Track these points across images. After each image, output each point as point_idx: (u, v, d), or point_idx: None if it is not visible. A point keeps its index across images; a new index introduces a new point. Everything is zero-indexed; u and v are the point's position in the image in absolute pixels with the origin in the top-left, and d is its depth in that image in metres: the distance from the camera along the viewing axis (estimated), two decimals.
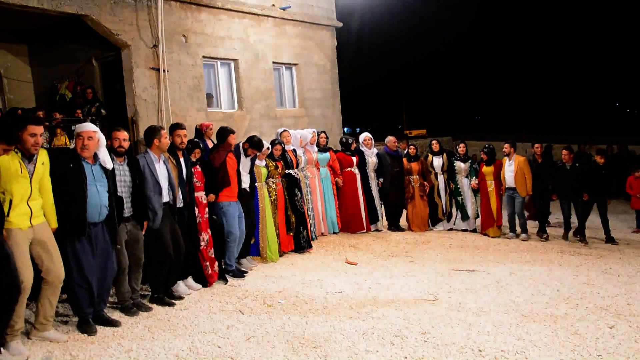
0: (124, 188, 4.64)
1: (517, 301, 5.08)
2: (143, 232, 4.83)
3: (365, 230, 8.64)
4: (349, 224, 8.59)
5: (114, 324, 4.41)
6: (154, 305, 4.95)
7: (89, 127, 4.35)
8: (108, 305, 4.71)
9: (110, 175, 4.43)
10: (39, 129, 3.81)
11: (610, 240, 8.11)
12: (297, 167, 7.55)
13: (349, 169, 8.62)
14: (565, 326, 4.35)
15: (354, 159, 8.67)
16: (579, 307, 4.87)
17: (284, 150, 7.40)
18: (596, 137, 17.68)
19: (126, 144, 4.68)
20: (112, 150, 4.60)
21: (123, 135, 4.65)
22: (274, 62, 10.96)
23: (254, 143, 6.37)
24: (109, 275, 4.42)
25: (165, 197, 5.04)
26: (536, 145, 8.76)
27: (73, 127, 8.20)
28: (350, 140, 8.81)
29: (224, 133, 6.14)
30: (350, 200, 8.58)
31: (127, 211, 4.68)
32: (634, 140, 15.95)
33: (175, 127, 5.41)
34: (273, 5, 10.81)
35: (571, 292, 5.36)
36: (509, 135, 20.05)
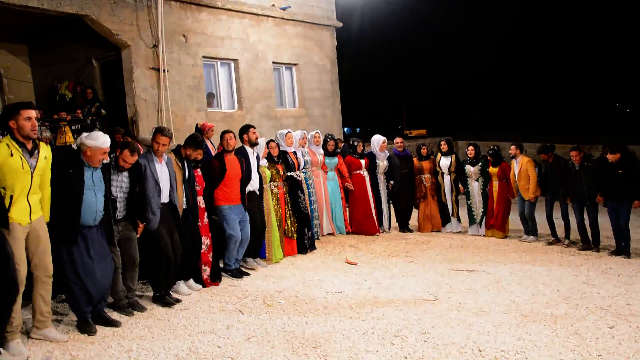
0: (119, 193, 4.66)
1: (517, 301, 5.07)
2: (138, 234, 4.84)
3: (378, 233, 8.58)
4: (361, 227, 8.53)
5: (114, 324, 4.41)
6: (154, 305, 4.95)
7: (108, 142, 4.29)
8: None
9: (107, 179, 4.44)
10: (33, 113, 3.80)
11: (625, 252, 7.13)
12: (298, 169, 7.53)
13: (357, 171, 8.57)
14: (565, 326, 4.35)
15: (363, 161, 8.61)
16: (579, 307, 4.87)
17: (285, 153, 7.37)
18: (596, 137, 17.64)
19: (130, 165, 4.67)
20: (115, 164, 4.61)
21: (133, 159, 4.62)
22: (274, 62, 10.98)
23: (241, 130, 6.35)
24: (106, 275, 4.41)
25: (165, 198, 5.04)
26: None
27: (73, 127, 8.27)
28: (355, 143, 8.75)
29: (221, 135, 6.12)
30: (360, 203, 8.52)
31: (120, 214, 4.69)
32: (634, 140, 15.90)
33: (197, 146, 5.35)
34: (273, 5, 10.81)
35: (571, 292, 5.36)
36: (509, 135, 20.03)
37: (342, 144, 9.54)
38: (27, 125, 3.74)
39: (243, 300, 5.17)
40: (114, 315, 4.61)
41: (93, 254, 4.28)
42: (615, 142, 8.03)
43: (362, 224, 8.53)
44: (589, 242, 7.61)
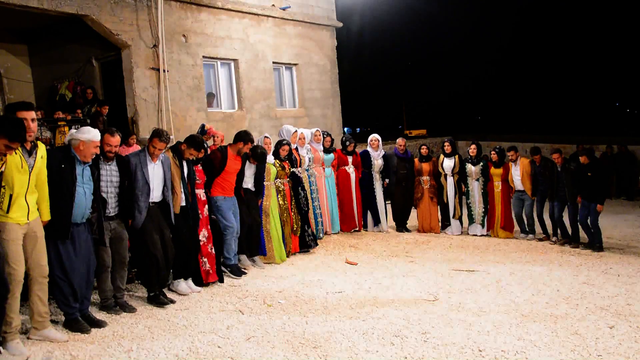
0: (110, 188, 4.64)
1: (517, 301, 5.08)
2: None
3: (358, 229, 8.69)
4: (343, 221, 8.67)
5: (99, 324, 4.39)
6: (153, 306, 4.96)
7: (99, 135, 4.33)
8: (91, 305, 4.67)
9: (96, 177, 4.44)
10: (29, 114, 3.78)
11: (597, 247, 7.53)
12: (300, 166, 7.59)
13: (343, 167, 8.73)
14: (565, 326, 4.35)
15: (350, 158, 8.74)
16: (579, 307, 4.87)
17: (290, 150, 7.42)
18: (596, 137, 17.64)
19: (116, 149, 4.66)
20: (101, 153, 4.58)
21: (115, 141, 4.61)
22: (274, 62, 10.97)
23: (257, 155, 6.29)
24: (91, 273, 4.42)
25: (155, 197, 5.00)
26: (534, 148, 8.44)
27: (73, 127, 8.26)
28: (347, 143, 8.84)
29: (239, 138, 6.16)
30: (344, 198, 8.66)
31: (112, 211, 4.68)
32: (634, 140, 15.90)
33: (192, 145, 5.35)
34: (273, 5, 10.81)
35: (571, 292, 5.36)
36: (510, 135, 20.02)
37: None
38: None
39: (243, 300, 5.17)
40: (100, 316, 4.59)
41: (78, 251, 4.28)
42: (610, 145, 8.36)
43: (344, 219, 8.65)
44: (568, 238, 8.00)
